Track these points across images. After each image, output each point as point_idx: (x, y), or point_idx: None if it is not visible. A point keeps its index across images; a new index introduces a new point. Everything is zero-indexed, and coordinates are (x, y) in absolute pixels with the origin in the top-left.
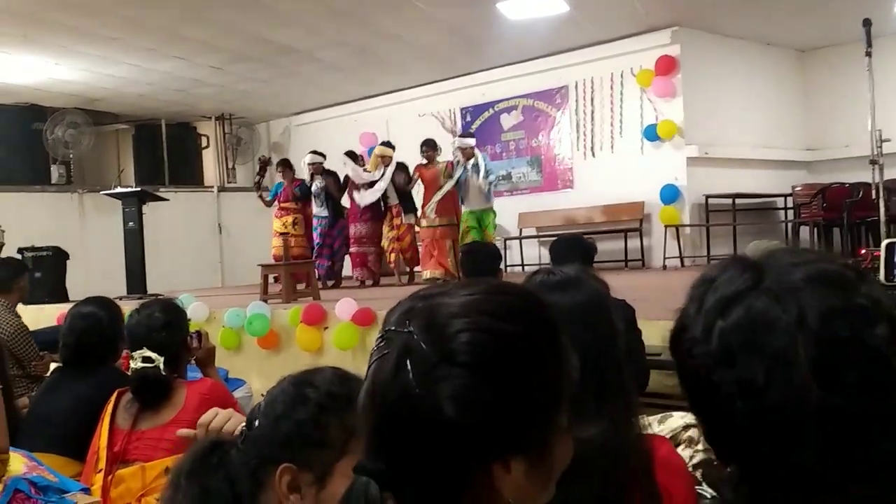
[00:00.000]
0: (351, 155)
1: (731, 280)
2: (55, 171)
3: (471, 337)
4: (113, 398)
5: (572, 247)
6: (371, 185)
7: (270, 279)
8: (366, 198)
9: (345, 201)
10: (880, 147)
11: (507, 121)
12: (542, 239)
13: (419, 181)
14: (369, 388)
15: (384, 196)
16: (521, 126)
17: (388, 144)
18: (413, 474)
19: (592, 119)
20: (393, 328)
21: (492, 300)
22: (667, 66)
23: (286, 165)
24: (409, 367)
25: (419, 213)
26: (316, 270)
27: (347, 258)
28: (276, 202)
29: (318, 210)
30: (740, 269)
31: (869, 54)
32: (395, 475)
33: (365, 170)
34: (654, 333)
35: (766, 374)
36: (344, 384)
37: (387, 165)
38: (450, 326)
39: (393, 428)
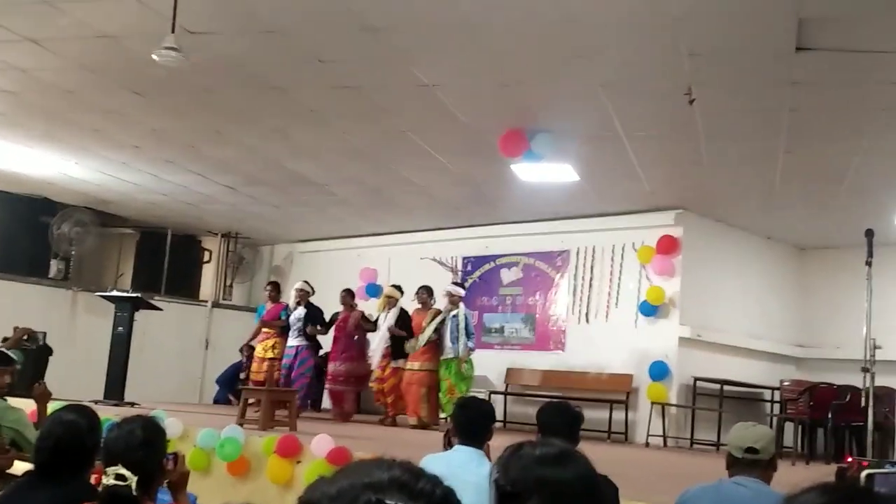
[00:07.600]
0: (348, 293)
1: None
2: (54, 266)
3: None
4: None
5: (560, 414)
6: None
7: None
8: (375, 350)
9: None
10: (873, 354)
11: (507, 276)
12: (527, 397)
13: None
14: None
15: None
16: (520, 283)
17: (398, 288)
18: None
19: (590, 286)
20: None
21: None
22: (668, 245)
23: (276, 289)
24: None
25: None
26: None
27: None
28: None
29: (290, 340)
30: None
31: (869, 264)
32: None
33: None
34: None
35: None
36: None
37: (392, 307)
38: None
39: None
